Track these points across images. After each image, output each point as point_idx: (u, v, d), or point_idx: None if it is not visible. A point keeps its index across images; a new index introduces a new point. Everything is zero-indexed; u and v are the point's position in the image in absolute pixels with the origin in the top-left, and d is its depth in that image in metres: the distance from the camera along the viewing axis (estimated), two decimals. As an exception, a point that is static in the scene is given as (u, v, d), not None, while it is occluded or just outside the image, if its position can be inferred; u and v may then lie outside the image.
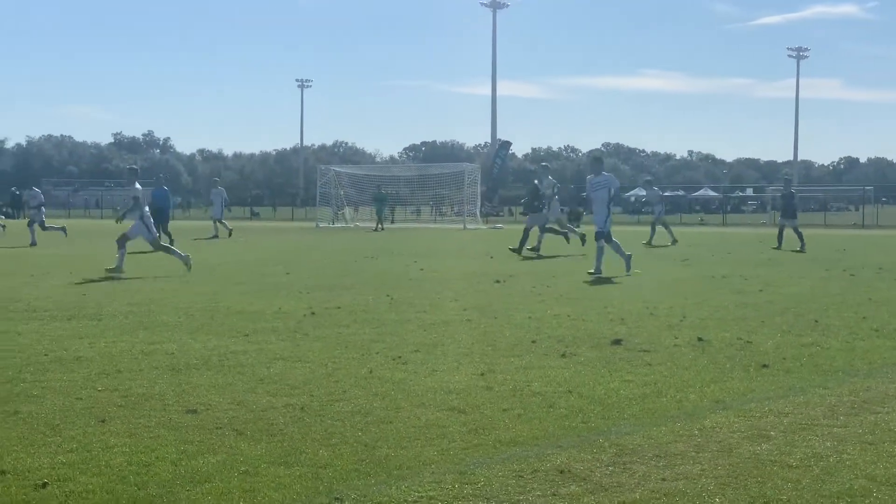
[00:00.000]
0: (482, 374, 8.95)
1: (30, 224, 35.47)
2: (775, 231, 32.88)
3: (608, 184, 20.67)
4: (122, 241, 20.50)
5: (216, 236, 39.71)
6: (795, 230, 30.91)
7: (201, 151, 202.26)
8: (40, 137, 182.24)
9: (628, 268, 20.21)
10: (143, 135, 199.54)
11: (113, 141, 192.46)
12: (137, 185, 20.96)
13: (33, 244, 32.34)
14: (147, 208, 21.40)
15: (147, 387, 8.36)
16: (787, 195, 33.02)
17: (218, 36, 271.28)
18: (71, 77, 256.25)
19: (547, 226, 28.37)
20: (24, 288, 16.88)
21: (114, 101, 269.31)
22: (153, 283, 18.10)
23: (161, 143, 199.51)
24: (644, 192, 37.88)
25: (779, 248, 30.08)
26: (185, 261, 20.26)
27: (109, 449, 6.38)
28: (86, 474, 5.84)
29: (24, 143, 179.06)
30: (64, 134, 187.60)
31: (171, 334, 11.39)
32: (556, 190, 28.63)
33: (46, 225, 36.36)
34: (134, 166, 22.99)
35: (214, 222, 41.39)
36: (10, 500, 5.43)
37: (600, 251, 19.95)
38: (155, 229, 21.16)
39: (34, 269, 21.08)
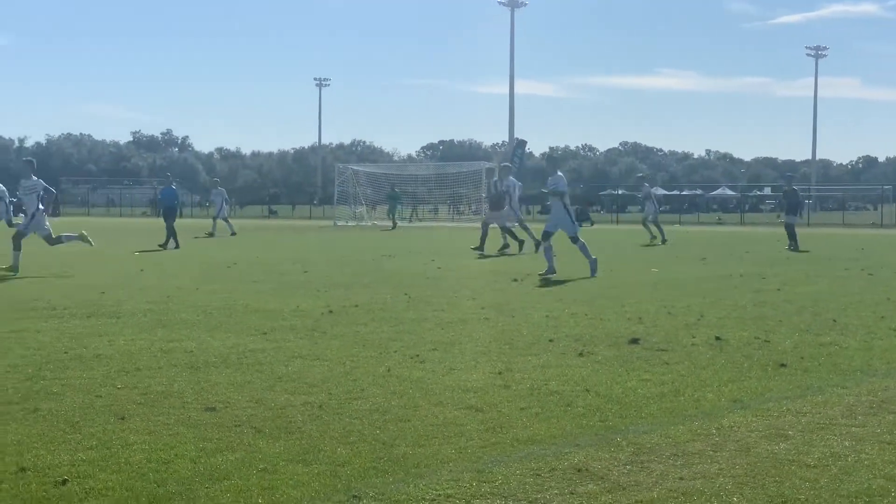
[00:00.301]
0: (500, 373, 8.96)
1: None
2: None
3: (558, 185, 20.28)
4: (52, 241, 20.38)
5: (234, 233, 39.84)
6: (787, 227, 30.91)
7: (219, 150, 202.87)
8: (60, 136, 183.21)
9: (545, 273, 19.40)
10: (162, 133, 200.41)
11: (132, 139, 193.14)
12: (35, 178, 20.60)
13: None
14: (41, 205, 20.77)
15: (166, 384, 8.40)
16: (789, 192, 33.01)
17: (237, 35, 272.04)
18: (90, 76, 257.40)
19: (507, 225, 28.68)
20: (43, 286, 16.96)
21: (133, 99, 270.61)
22: (170, 280, 18.16)
23: (179, 141, 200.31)
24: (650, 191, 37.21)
25: (797, 247, 30.00)
26: (14, 267, 19.74)
27: (129, 446, 6.41)
28: (105, 471, 5.87)
29: (43, 141, 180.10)
30: (83, 132, 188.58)
31: (190, 332, 11.43)
32: (516, 190, 28.76)
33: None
34: (30, 158, 22.37)
35: (225, 220, 41.49)
36: (30, 497, 5.47)
37: (583, 249, 19.92)
38: (25, 226, 20.54)
39: (53, 268, 21.17)
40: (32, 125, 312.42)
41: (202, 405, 7.60)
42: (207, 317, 12.80)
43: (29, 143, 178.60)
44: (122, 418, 7.17)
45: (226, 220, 41.63)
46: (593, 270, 19.44)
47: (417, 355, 9.86)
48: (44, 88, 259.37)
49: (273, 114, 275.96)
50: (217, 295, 15.40)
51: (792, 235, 30.51)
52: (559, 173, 20.71)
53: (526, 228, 28.54)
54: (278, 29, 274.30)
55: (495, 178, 29.94)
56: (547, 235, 20.16)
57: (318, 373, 8.94)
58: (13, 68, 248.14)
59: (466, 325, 12.12)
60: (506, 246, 28.02)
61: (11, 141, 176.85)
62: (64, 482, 5.65)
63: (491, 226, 28.67)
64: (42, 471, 5.89)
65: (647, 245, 32.91)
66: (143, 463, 6.05)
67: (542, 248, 20.28)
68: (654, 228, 34.98)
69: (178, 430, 6.86)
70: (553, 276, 18.96)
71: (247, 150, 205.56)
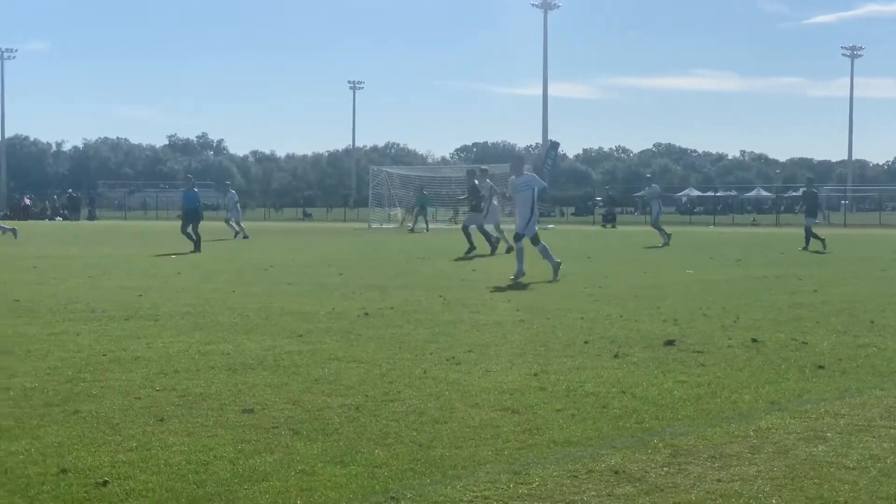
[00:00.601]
0: (535, 375, 8.96)
1: None
2: (830, 231, 32.62)
3: (531, 184, 19.75)
4: None
5: (241, 236, 39.67)
6: (808, 229, 30.74)
7: (254, 153, 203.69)
8: (97, 140, 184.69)
9: (555, 275, 19.04)
10: (197, 137, 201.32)
11: (167, 143, 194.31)
12: None
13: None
14: None
15: (204, 386, 8.45)
16: (809, 194, 32.89)
17: (271, 39, 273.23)
18: (126, 80, 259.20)
19: (484, 227, 28.69)
20: (82, 289, 17.10)
21: (168, 103, 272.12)
22: (207, 283, 18.26)
23: (215, 144, 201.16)
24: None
25: (823, 249, 29.86)
26: None
27: (168, 448, 6.46)
28: (145, 472, 5.92)
29: (80, 145, 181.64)
30: (120, 136, 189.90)
31: (227, 335, 11.49)
32: (493, 192, 28.71)
33: None
34: None
35: (227, 222, 41.33)
36: (71, 498, 5.52)
37: (520, 253, 19.20)
38: None
39: (91, 271, 21.35)
40: (70, 130, 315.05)
41: (240, 407, 7.65)
42: (244, 319, 12.87)
43: (66, 148, 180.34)
44: (162, 420, 7.22)
45: (227, 221, 41.50)
46: (516, 275, 18.66)
47: (453, 357, 9.87)
48: (81, 93, 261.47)
49: (307, 117, 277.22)
50: (253, 297, 15.48)
51: (808, 237, 30.39)
52: (528, 173, 20.39)
53: (487, 233, 28.69)
54: (312, 32, 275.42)
55: (476, 182, 29.94)
56: (533, 240, 19.65)
57: (354, 375, 8.97)
58: (51, 73, 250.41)
59: (502, 327, 12.13)
60: (472, 248, 28.17)
61: (49, 145, 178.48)
62: (104, 483, 5.71)
63: (471, 227, 28.82)
64: (83, 472, 5.94)
65: (664, 246, 32.70)
66: (183, 464, 6.09)
67: (540, 251, 19.79)
68: (667, 230, 34.65)
69: (216, 431, 6.91)
70: (562, 269, 19.10)
71: (281, 153, 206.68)
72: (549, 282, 18.47)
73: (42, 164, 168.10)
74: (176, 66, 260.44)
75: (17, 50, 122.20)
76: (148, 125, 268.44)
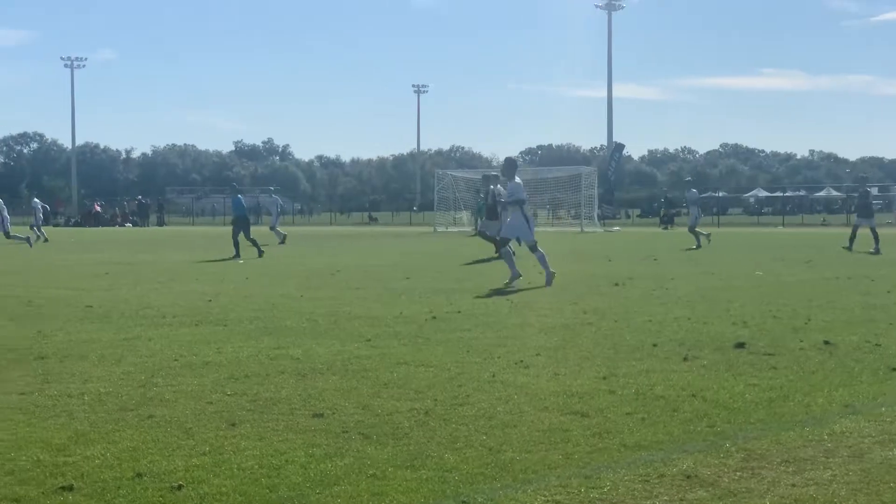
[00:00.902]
0: (604, 378, 8.93)
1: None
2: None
3: (516, 195, 19.51)
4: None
5: (279, 240, 39.54)
6: (872, 230, 30.24)
7: (319, 158, 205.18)
8: (165, 147, 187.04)
9: (510, 281, 18.76)
10: (263, 142, 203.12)
11: (234, 149, 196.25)
12: None
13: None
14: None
15: (274, 391, 8.52)
16: (863, 194, 32.37)
17: (335, 43, 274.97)
18: (193, 87, 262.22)
19: (488, 233, 28.52)
20: (153, 294, 17.32)
21: (234, 109, 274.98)
22: (275, 288, 18.39)
23: (280, 150, 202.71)
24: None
25: (849, 248, 29.45)
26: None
27: (240, 452, 6.52)
28: (219, 477, 5.98)
29: (149, 152, 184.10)
30: (187, 143, 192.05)
31: (296, 339, 11.57)
32: (502, 197, 28.52)
33: (11, 234, 37.40)
34: None
35: (272, 229, 41.10)
36: (146, 502, 5.59)
37: (542, 259, 19.03)
38: None
39: (161, 276, 21.62)
40: (138, 137, 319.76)
41: (310, 411, 7.70)
42: (312, 324, 12.95)
43: (135, 155, 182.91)
44: (233, 424, 7.29)
45: (272, 228, 41.41)
46: (548, 282, 18.51)
47: (522, 361, 9.86)
48: (149, 100, 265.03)
49: (372, 121, 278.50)
50: (321, 302, 15.57)
51: (875, 236, 29.83)
52: (517, 180, 20.06)
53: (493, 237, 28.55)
54: (376, 37, 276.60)
55: (491, 187, 29.82)
56: (504, 241, 19.73)
57: (423, 379, 9.00)
58: (119, 81, 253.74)
59: (569, 330, 12.09)
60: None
61: (118, 153, 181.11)
62: (179, 487, 5.77)
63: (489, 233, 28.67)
64: (158, 476, 6.02)
65: (696, 248, 32.44)
66: (255, 469, 6.15)
67: (502, 254, 19.48)
68: (701, 235, 34.36)
69: (287, 436, 6.96)
70: (518, 280, 18.73)
71: (346, 158, 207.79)
72: (507, 284, 18.52)
73: (112, 171, 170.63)
74: (242, 73, 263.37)
75: (86, 59, 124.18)
76: (214, 131, 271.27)
